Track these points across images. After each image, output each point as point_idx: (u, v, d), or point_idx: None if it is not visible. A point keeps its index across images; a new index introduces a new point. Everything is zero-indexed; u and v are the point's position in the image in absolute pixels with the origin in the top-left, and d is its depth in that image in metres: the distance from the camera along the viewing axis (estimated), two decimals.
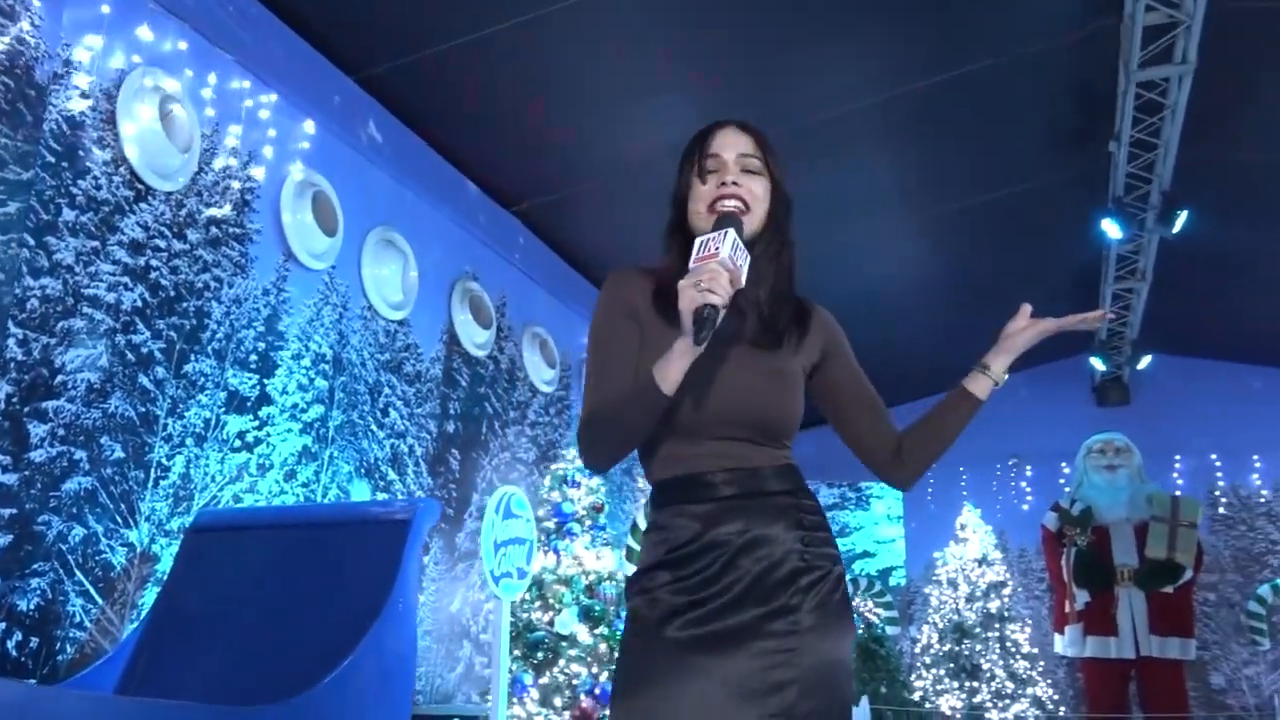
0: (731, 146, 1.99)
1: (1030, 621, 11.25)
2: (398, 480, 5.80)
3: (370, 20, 5.55)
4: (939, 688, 10.49)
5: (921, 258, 9.27)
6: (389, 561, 3.67)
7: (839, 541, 12.97)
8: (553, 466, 5.45)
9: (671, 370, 1.70)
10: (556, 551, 5.04)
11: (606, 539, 5.27)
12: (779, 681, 1.65)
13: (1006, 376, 1.98)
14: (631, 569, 5.66)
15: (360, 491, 5.48)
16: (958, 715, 10.31)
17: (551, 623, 4.93)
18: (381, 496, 5.62)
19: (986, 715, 10.25)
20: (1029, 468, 12.65)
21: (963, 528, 11.14)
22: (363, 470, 5.54)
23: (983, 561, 10.92)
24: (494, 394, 6.98)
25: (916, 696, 10.51)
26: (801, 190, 7.37)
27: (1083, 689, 9.64)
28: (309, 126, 5.31)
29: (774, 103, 6.82)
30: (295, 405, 5.10)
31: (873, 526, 13.23)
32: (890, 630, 11.05)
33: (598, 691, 4.81)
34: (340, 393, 5.43)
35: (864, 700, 9.97)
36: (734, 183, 1.92)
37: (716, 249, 1.72)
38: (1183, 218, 7.72)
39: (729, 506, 1.77)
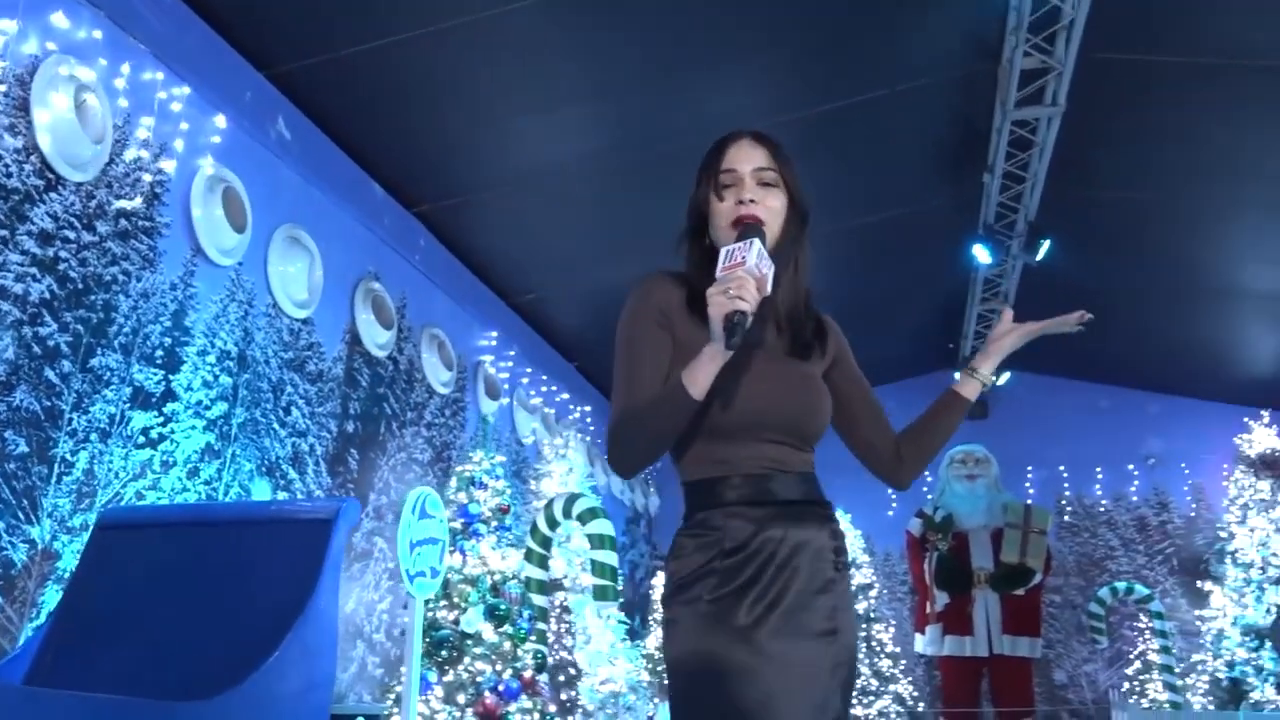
0: (747, 160, 1.99)
1: (894, 622, 11.85)
2: (298, 479, 5.78)
3: (284, 17, 5.54)
4: None
5: (813, 274, 9.68)
6: (311, 560, 3.71)
7: None
8: (459, 468, 5.53)
9: (701, 375, 1.73)
10: (463, 552, 5.14)
11: (511, 540, 5.40)
12: (825, 686, 1.75)
13: (994, 378, 2.05)
14: (533, 570, 5.80)
15: (261, 490, 5.45)
16: None
17: (457, 621, 5.03)
18: (282, 495, 5.60)
19: (852, 711, 10.76)
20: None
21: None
22: (264, 469, 5.51)
23: (851, 565, 11.47)
24: (393, 394, 7.00)
25: None
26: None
27: (939, 685, 10.23)
28: (220, 121, 5.26)
29: (670, 121, 7.07)
30: (199, 402, 5.05)
31: None
32: None
33: (501, 688, 4.93)
34: (244, 390, 5.39)
35: None
36: (751, 200, 1.93)
37: (743, 258, 1.76)
38: (1045, 246, 8.34)
39: (784, 512, 1.83)
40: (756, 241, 1.79)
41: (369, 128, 6.51)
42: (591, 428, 11.00)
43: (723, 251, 1.79)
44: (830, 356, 2.03)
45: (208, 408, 5.10)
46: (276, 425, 5.65)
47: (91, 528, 4.05)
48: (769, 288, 1.78)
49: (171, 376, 4.87)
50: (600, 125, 7.08)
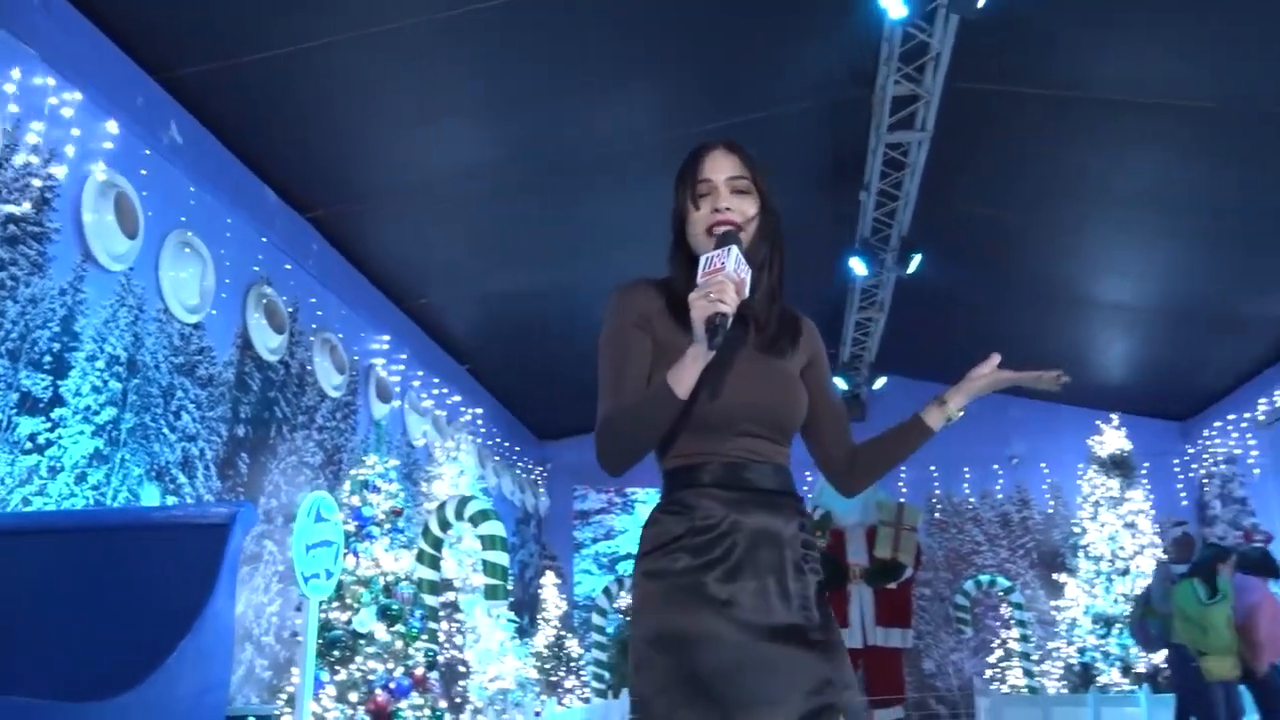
0: (721, 169, 2.01)
1: None
2: (188, 484, 5.80)
3: (177, 23, 5.55)
4: None
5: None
6: (207, 565, 3.80)
7: (605, 545, 13.59)
8: (353, 472, 5.64)
9: (685, 376, 1.78)
10: (356, 554, 5.26)
11: (404, 541, 5.54)
12: (811, 673, 1.76)
13: (961, 413, 2.05)
14: (425, 570, 5.95)
15: (150, 495, 5.46)
16: None
17: (349, 622, 5.15)
18: (171, 500, 5.61)
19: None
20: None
21: None
22: (153, 473, 5.52)
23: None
24: (284, 398, 7.03)
25: None
26: (585, 216, 8.07)
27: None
28: (112, 126, 5.26)
29: (563, 137, 7.31)
30: (88, 407, 5.05)
31: (637, 529, 13.92)
32: None
33: (393, 686, 5.08)
34: (133, 395, 5.39)
35: (624, 693, 10.63)
36: (726, 208, 1.96)
37: (722, 264, 1.82)
38: (917, 259, 8.86)
39: (757, 499, 1.87)
40: (734, 248, 1.85)
41: (263, 134, 6.54)
42: (482, 430, 11.14)
43: (703, 259, 1.85)
44: (806, 356, 2.05)
45: (96, 413, 5.10)
46: (166, 430, 5.66)
47: None
48: (747, 291, 1.84)
49: (60, 382, 4.87)
50: (495, 139, 7.26)
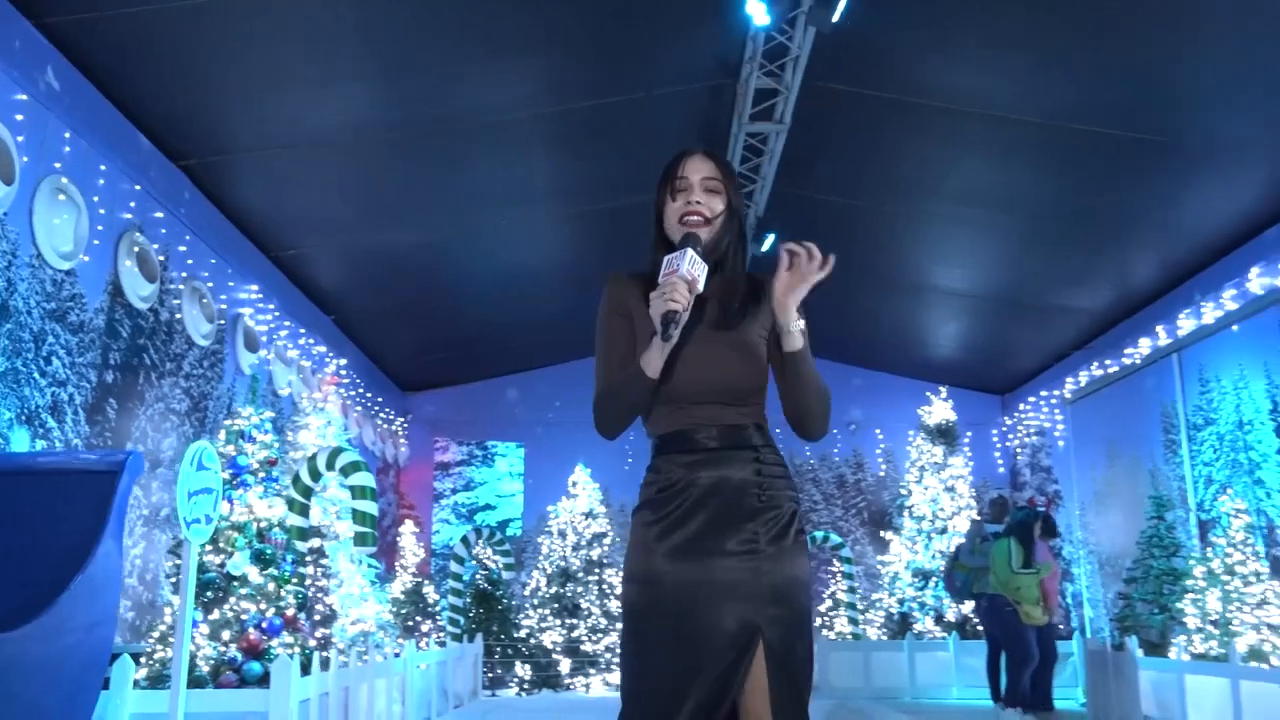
0: (696, 170, 2.29)
1: (622, 567, 12.95)
2: (57, 429, 5.89)
3: None
4: (543, 625, 11.88)
5: (573, 246, 10.46)
6: (98, 508, 4.04)
7: (465, 495, 13.97)
8: (227, 422, 5.84)
9: (652, 360, 2.10)
10: (231, 500, 5.49)
11: (278, 490, 5.80)
12: (744, 596, 2.06)
13: (801, 323, 2.20)
14: (295, 518, 6.22)
15: (20, 439, 5.55)
16: (558, 648, 11.74)
17: (223, 565, 5.40)
18: (40, 445, 5.71)
19: (582, 646, 11.78)
20: (632, 432, 14.40)
21: (574, 485, 12.60)
22: (23, 417, 5.60)
23: (589, 515, 12.44)
24: (153, 346, 7.11)
25: (523, 633, 11.82)
26: (460, 180, 8.46)
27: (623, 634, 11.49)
28: None
29: (447, 104, 7.57)
30: None
31: (496, 482, 14.38)
32: (506, 575, 12.26)
33: (264, 625, 5.37)
34: (4, 340, 5.45)
35: (478, 637, 11.10)
36: (698, 201, 2.25)
37: (677, 266, 2.10)
38: (770, 239, 9.50)
39: (709, 457, 2.16)
40: (689, 250, 2.12)
41: (139, 83, 6.55)
42: (346, 380, 11.29)
43: (664, 260, 2.14)
44: (770, 316, 2.22)
45: None
46: (37, 375, 5.73)
47: None
48: (701, 286, 2.11)
49: None
50: (377, 103, 7.45)
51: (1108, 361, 11.21)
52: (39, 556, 3.93)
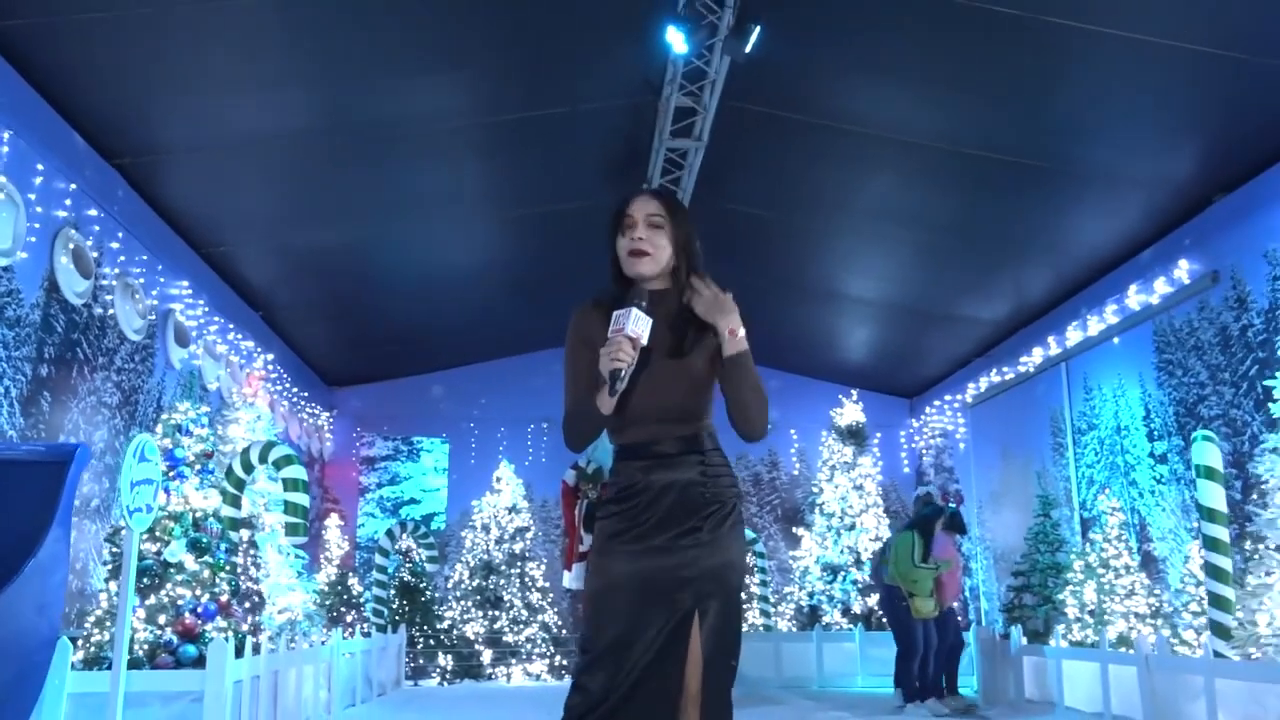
0: (641, 209, 2.58)
1: (545, 560, 13.33)
2: None
3: None
4: (466, 616, 12.19)
5: (500, 249, 10.81)
6: (46, 498, 4.29)
7: (390, 490, 14.16)
8: (164, 416, 6.07)
9: (604, 403, 2.42)
10: (168, 491, 5.74)
11: (213, 482, 6.05)
12: (684, 578, 2.40)
13: (740, 331, 2.51)
14: (228, 509, 6.47)
15: None
16: (479, 639, 12.07)
17: (159, 553, 5.65)
18: None
19: (504, 637, 12.12)
20: (555, 430, 14.78)
21: (498, 480, 12.93)
22: None
23: (512, 509, 12.78)
24: (86, 340, 7.28)
25: (446, 625, 12.12)
26: (388, 183, 8.85)
27: (581, 615, 11.81)
28: None
29: (379, 112, 7.87)
30: None
31: (421, 476, 14.62)
32: (430, 568, 12.54)
33: (200, 610, 5.64)
34: None
35: (402, 628, 11.37)
36: (640, 238, 2.55)
37: (623, 324, 2.41)
38: None
39: (659, 462, 2.48)
40: (634, 309, 2.43)
41: (75, 83, 6.71)
42: (273, 375, 11.45)
43: (614, 315, 2.45)
44: (715, 342, 2.54)
45: None
46: None
47: None
48: (645, 339, 2.43)
49: None
50: (308, 107, 7.70)
51: (1005, 369, 11.94)
52: None
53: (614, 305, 2.51)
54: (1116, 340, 9.56)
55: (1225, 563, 6.04)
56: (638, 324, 2.42)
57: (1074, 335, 10.24)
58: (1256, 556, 5.92)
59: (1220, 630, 5.90)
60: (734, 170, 9.22)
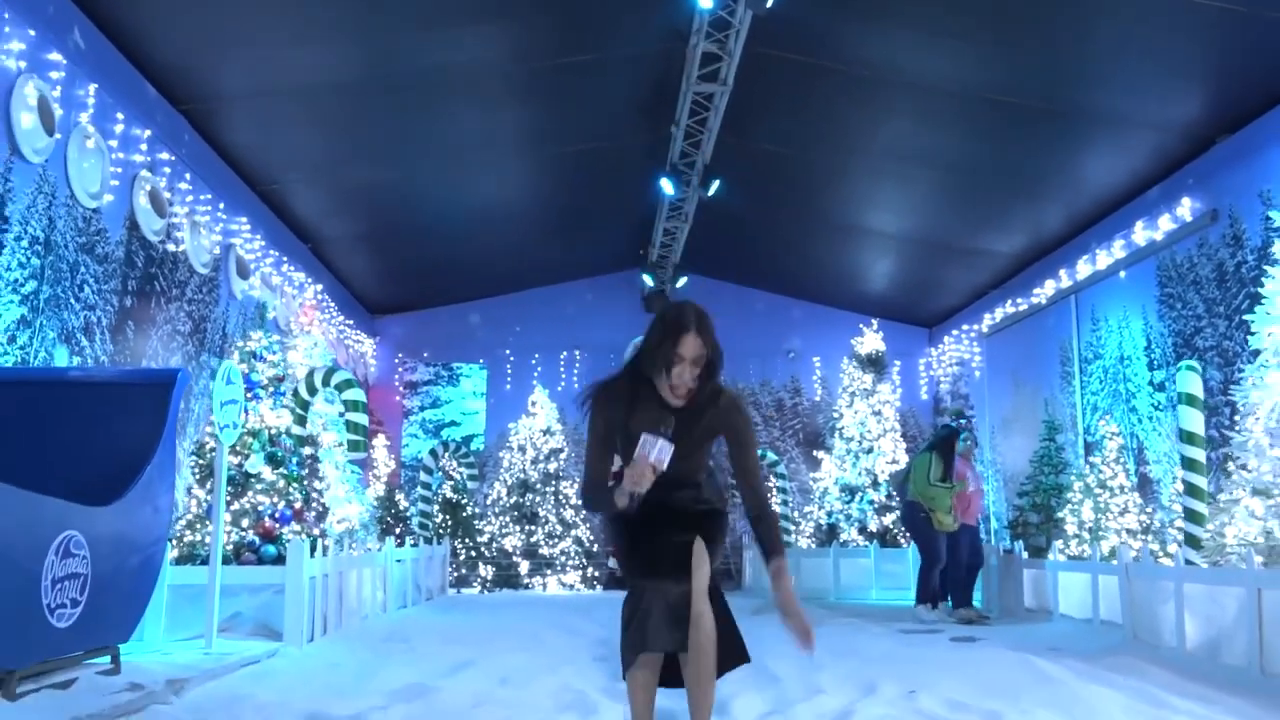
0: (690, 349, 2.99)
1: (576, 479, 14.10)
2: (89, 347, 6.78)
3: None
4: (504, 530, 13.04)
5: (534, 186, 11.38)
6: (158, 413, 5.01)
7: (431, 412, 14.95)
8: (240, 343, 6.76)
9: (620, 504, 2.98)
10: (247, 410, 6.45)
11: (286, 403, 6.77)
12: (687, 523, 3.09)
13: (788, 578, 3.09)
14: (295, 427, 7.20)
15: (61, 356, 6.44)
16: (517, 552, 12.93)
17: (240, 465, 6.39)
18: (76, 361, 6.61)
19: (540, 550, 12.98)
20: (587, 357, 15.43)
21: (533, 404, 13.67)
22: (63, 337, 6.49)
23: (547, 431, 13.54)
24: (162, 274, 7.97)
25: (486, 538, 12.98)
26: (431, 127, 9.57)
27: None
28: (30, 33, 6.02)
29: (418, 62, 8.40)
30: (16, 280, 5.97)
31: (460, 400, 15.41)
32: (470, 485, 13.37)
33: (277, 515, 6.39)
34: (49, 270, 6.32)
35: (445, 541, 12.22)
36: (687, 380, 3.01)
37: (648, 452, 2.86)
38: (716, 184, 10.47)
39: (665, 508, 3.10)
40: (660, 440, 2.87)
41: (146, 34, 7.28)
42: (323, 303, 12.16)
43: (642, 438, 2.91)
44: (722, 432, 3.16)
45: (22, 285, 6.03)
46: (73, 300, 6.61)
47: None
48: (664, 467, 2.91)
49: None
50: (358, 58, 8.25)
51: (1019, 300, 12.41)
52: (111, 451, 4.91)
53: (634, 390, 3.06)
54: (1123, 274, 10.01)
55: (1200, 481, 6.63)
56: (662, 454, 2.87)
57: (1084, 269, 10.69)
58: (1230, 476, 6.49)
59: (1192, 541, 6.51)
60: (758, 112, 9.67)
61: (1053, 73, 8.25)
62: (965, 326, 14.42)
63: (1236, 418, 6.90)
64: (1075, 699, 4.85)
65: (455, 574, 12.61)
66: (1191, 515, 6.58)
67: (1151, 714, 4.46)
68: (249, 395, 6.55)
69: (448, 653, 6.15)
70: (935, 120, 9.30)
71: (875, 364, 13.70)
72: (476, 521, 13.08)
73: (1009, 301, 12.72)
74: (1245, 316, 6.78)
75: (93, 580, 4.30)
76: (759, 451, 14.23)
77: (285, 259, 10.77)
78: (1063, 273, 11.15)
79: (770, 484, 14.17)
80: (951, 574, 9.28)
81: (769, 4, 7.00)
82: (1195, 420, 6.74)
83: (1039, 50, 7.99)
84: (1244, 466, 6.22)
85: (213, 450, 5.57)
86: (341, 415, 8.10)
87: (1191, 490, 6.63)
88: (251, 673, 5.19)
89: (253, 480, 6.37)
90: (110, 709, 3.90)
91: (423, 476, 12.86)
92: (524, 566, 12.83)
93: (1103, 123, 8.76)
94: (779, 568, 3.10)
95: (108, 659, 4.63)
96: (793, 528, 13.71)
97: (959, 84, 8.49)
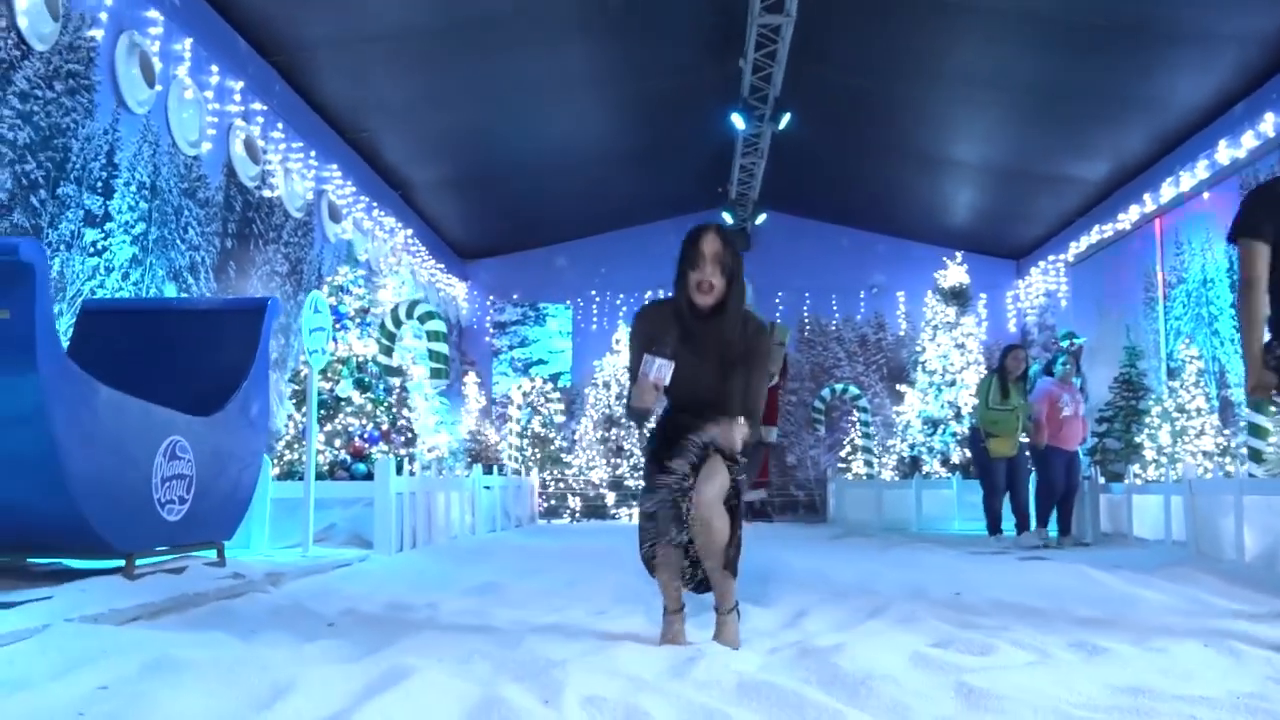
0: (710, 246, 3.21)
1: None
2: (195, 284, 7.38)
3: None
4: (591, 464, 13.54)
5: (613, 126, 11.64)
6: (252, 335, 5.51)
7: (520, 351, 15.53)
8: (328, 278, 7.27)
9: (642, 410, 3.24)
10: (335, 339, 6.96)
11: (371, 333, 7.26)
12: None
13: (736, 441, 3.20)
14: (382, 357, 7.71)
15: (170, 291, 7.04)
16: (603, 484, 13.43)
17: (332, 390, 6.92)
18: (184, 295, 7.21)
19: (625, 482, 13.44)
20: (670, 295, 15.68)
21: (617, 341, 14.06)
22: (171, 275, 7.09)
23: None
24: (259, 218, 8.54)
25: (574, 470, 13.50)
26: (508, 70, 9.95)
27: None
28: None
29: (493, 4, 8.68)
30: (127, 222, 6.56)
31: (547, 340, 15.92)
32: (558, 419, 13.89)
33: (366, 436, 6.91)
34: (156, 213, 6.89)
35: (534, 471, 12.77)
36: (709, 280, 3.19)
37: (647, 371, 3.10)
38: (786, 118, 10.57)
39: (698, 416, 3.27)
40: (658, 360, 3.11)
41: None
42: (413, 248, 12.71)
43: (644, 359, 3.15)
44: (742, 348, 3.28)
45: (133, 226, 6.62)
46: (179, 241, 7.19)
47: (77, 313, 5.65)
48: (666, 382, 3.13)
49: (108, 202, 6.36)
50: (433, 4, 8.59)
51: (1104, 227, 12.20)
52: (211, 370, 5.43)
53: (675, 311, 3.26)
54: (1206, 195, 9.80)
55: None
56: (662, 371, 3.12)
57: (1168, 192, 10.46)
58: None
59: (1255, 455, 6.52)
60: (827, 42, 9.72)
61: None
62: (1051, 257, 14.21)
63: None
64: (1119, 598, 5.02)
65: (545, 505, 13.17)
66: (1255, 430, 6.58)
67: (1188, 610, 4.61)
68: (337, 325, 7.05)
69: (523, 563, 6.61)
70: (1009, 42, 9.20)
71: (959, 297, 13.61)
72: (565, 455, 13.60)
73: (1094, 229, 12.50)
74: None
75: (197, 481, 4.83)
76: (840, 386, 14.39)
77: (375, 204, 11.30)
78: (1147, 196, 10.93)
79: (853, 418, 14.32)
80: (1021, 499, 9.10)
81: None
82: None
83: None
84: None
85: (306, 376, 6.08)
86: (426, 345, 8.59)
87: (1256, 405, 6.61)
88: (342, 573, 5.71)
89: (343, 404, 6.89)
90: (215, 591, 4.43)
91: (511, 412, 13.41)
92: (610, 498, 13.31)
93: (1184, 38, 8.56)
94: (732, 420, 3.23)
95: (214, 553, 5.19)
96: (876, 460, 13.87)
97: (1021, 4, 8.39)
